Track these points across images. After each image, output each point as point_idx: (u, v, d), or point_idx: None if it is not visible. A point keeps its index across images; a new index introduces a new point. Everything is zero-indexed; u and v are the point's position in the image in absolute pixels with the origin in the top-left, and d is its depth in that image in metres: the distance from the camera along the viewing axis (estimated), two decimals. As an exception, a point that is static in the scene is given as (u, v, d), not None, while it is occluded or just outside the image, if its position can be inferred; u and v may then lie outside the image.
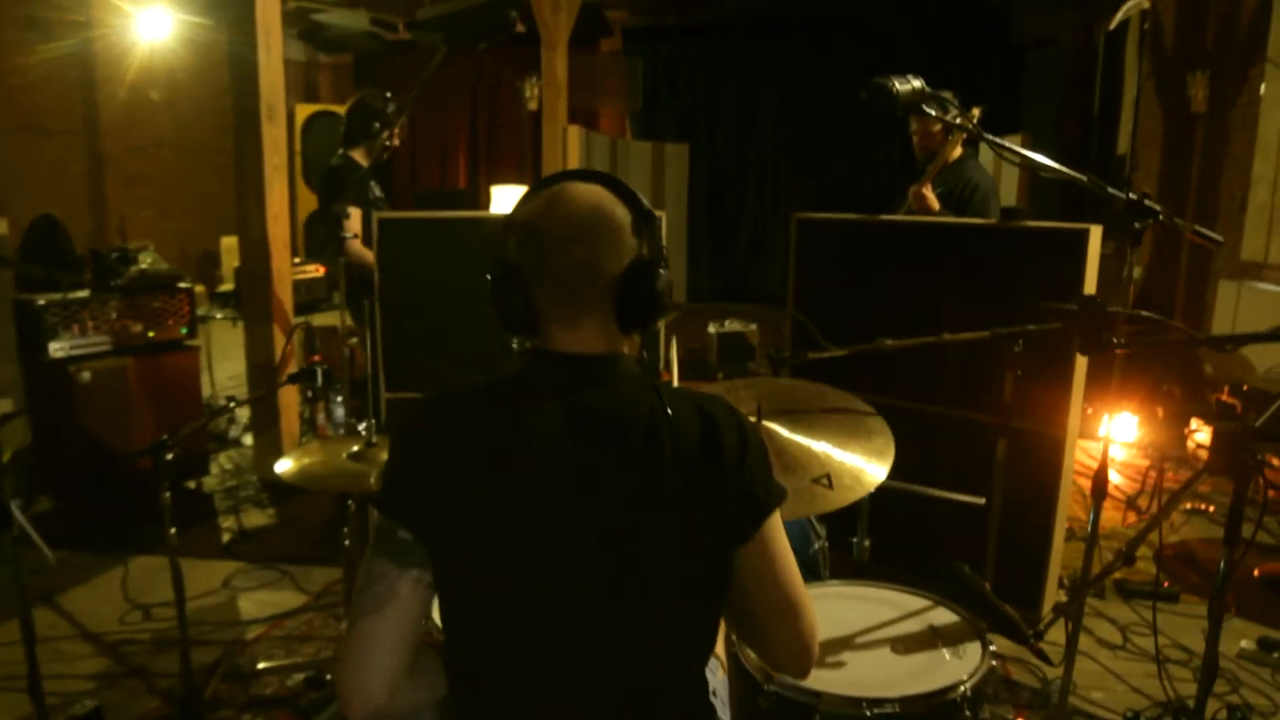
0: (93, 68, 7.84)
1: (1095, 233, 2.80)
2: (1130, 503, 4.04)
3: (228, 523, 3.77)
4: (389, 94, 3.80)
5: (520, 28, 5.74)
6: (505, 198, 5.70)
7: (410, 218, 3.38)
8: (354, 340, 5.73)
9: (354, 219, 3.60)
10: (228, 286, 5.67)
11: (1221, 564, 1.69)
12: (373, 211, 3.75)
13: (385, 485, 1.13)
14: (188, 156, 9.11)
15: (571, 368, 1.16)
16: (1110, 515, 3.98)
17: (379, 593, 1.09)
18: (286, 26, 9.93)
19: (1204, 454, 4.58)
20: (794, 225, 3.44)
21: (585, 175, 1.19)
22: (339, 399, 5.17)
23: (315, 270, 5.04)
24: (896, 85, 1.99)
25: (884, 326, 2.93)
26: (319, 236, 3.88)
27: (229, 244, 6.95)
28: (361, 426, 1.88)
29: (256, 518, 3.82)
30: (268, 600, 3.06)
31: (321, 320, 5.55)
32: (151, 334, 3.92)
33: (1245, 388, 3.58)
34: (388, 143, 3.81)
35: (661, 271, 1.16)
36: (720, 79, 10.54)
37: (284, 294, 4.28)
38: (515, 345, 1.25)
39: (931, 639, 1.65)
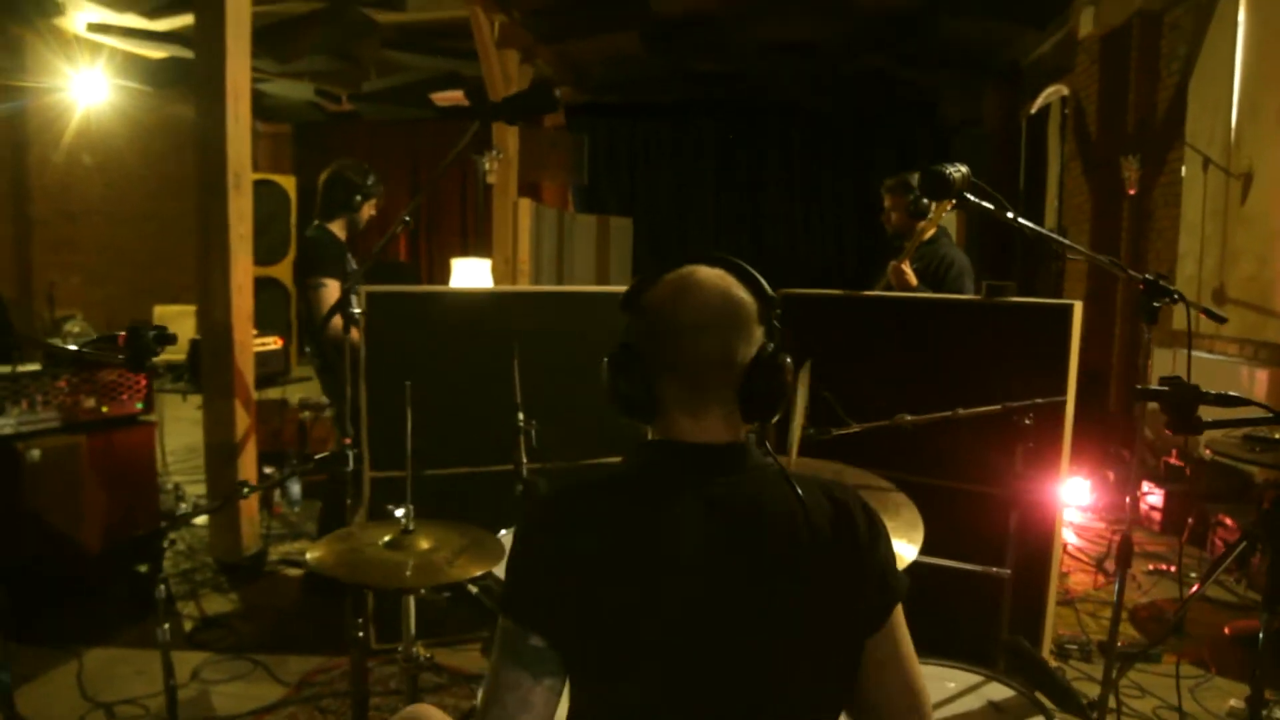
0: (25, 130, 7.58)
1: (1078, 307, 2.92)
2: (1099, 565, 4.14)
3: (187, 609, 3.55)
4: (367, 165, 3.76)
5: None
6: (465, 271, 5.68)
7: (399, 291, 3.32)
8: (306, 414, 5.56)
9: (331, 290, 3.51)
10: (173, 357, 5.44)
11: (1260, 632, 1.73)
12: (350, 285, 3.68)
13: (515, 589, 1.07)
14: (119, 224, 8.83)
15: (703, 458, 1.13)
16: (1079, 579, 4.07)
17: (510, 703, 1.02)
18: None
19: (1157, 515, 4.75)
20: (781, 300, 3.50)
21: (710, 259, 1.18)
22: (295, 475, 4.97)
23: (273, 342, 4.88)
24: (950, 172, 2.06)
25: (874, 400, 2.99)
26: (304, 310, 3.74)
27: (164, 313, 6.69)
28: (399, 512, 1.79)
29: (218, 603, 3.60)
30: (243, 694, 2.86)
31: (274, 394, 5.38)
32: (105, 409, 3.72)
33: (1208, 453, 3.74)
34: (367, 215, 3.76)
35: (788, 361, 1.15)
36: (661, 156, 10.83)
37: (245, 367, 4.13)
38: (649, 434, 1.20)
39: (995, 715, 1.64)
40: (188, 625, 3.40)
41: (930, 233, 3.78)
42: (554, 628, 1.04)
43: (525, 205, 7.79)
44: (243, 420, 4.09)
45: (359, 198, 3.67)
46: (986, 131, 9.77)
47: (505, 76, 7.31)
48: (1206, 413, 1.55)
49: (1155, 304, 1.95)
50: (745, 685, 1.07)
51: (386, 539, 1.77)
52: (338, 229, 3.69)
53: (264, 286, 6.67)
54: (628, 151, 10.97)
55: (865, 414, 2.46)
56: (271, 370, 4.87)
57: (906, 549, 1.91)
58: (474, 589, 1.87)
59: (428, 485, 3.07)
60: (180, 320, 5.88)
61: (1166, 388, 1.39)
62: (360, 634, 1.98)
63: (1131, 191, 5.89)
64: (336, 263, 3.58)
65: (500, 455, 3.13)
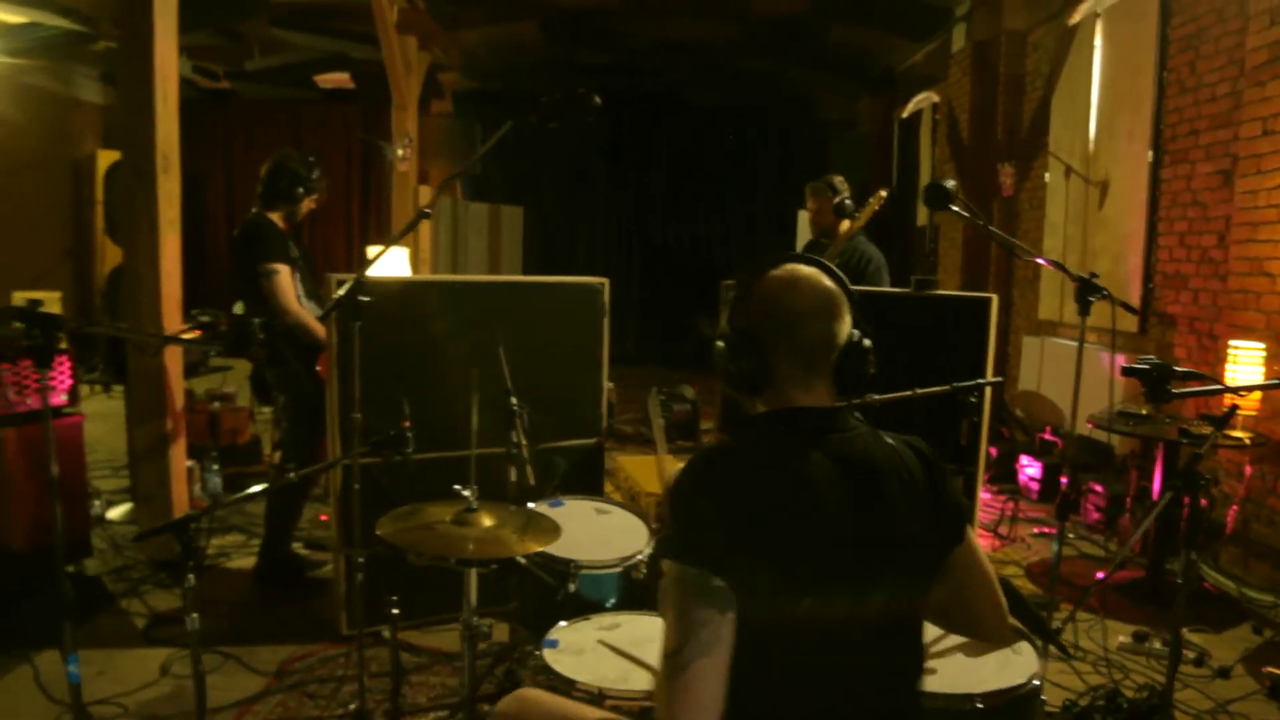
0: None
1: (994, 300, 3.30)
2: (994, 530, 4.63)
3: (134, 607, 3.43)
4: (313, 158, 3.72)
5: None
6: (385, 260, 5.61)
7: (379, 280, 3.30)
8: (216, 405, 5.37)
9: (284, 276, 3.47)
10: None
11: (1181, 570, 2.09)
12: (296, 272, 3.63)
13: (694, 539, 1.23)
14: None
15: (819, 421, 1.34)
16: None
17: (705, 638, 1.18)
18: (88, 66, 9.20)
19: (1035, 485, 5.33)
20: (723, 290, 3.73)
21: (798, 258, 1.40)
22: (215, 467, 4.83)
23: (191, 331, 4.71)
24: (949, 184, 2.33)
25: None
26: (250, 298, 3.66)
27: (25, 300, 6.23)
28: (466, 491, 1.89)
29: (166, 600, 3.50)
30: (222, 685, 2.83)
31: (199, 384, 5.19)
32: (30, 401, 3.53)
33: (1089, 427, 4.25)
34: (306, 209, 3.72)
35: (870, 344, 1.37)
36: (549, 147, 10.86)
37: (175, 359, 4.00)
38: (756, 407, 1.39)
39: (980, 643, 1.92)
40: (140, 622, 3.30)
41: (846, 229, 4.12)
42: (731, 569, 1.20)
43: (427, 193, 7.73)
44: (173, 413, 3.97)
45: (301, 190, 3.63)
46: (862, 132, 10.41)
47: (405, 63, 7.23)
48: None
49: (1090, 298, 2.29)
50: (879, 602, 1.29)
51: (450, 516, 1.87)
52: (278, 219, 3.64)
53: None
54: (517, 140, 10.95)
55: None
56: (192, 360, 4.70)
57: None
58: (522, 560, 1.98)
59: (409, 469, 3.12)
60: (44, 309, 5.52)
61: (1147, 366, 1.69)
62: (395, 610, 2.06)
63: (1007, 195, 6.49)
64: (283, 248, 3.54)
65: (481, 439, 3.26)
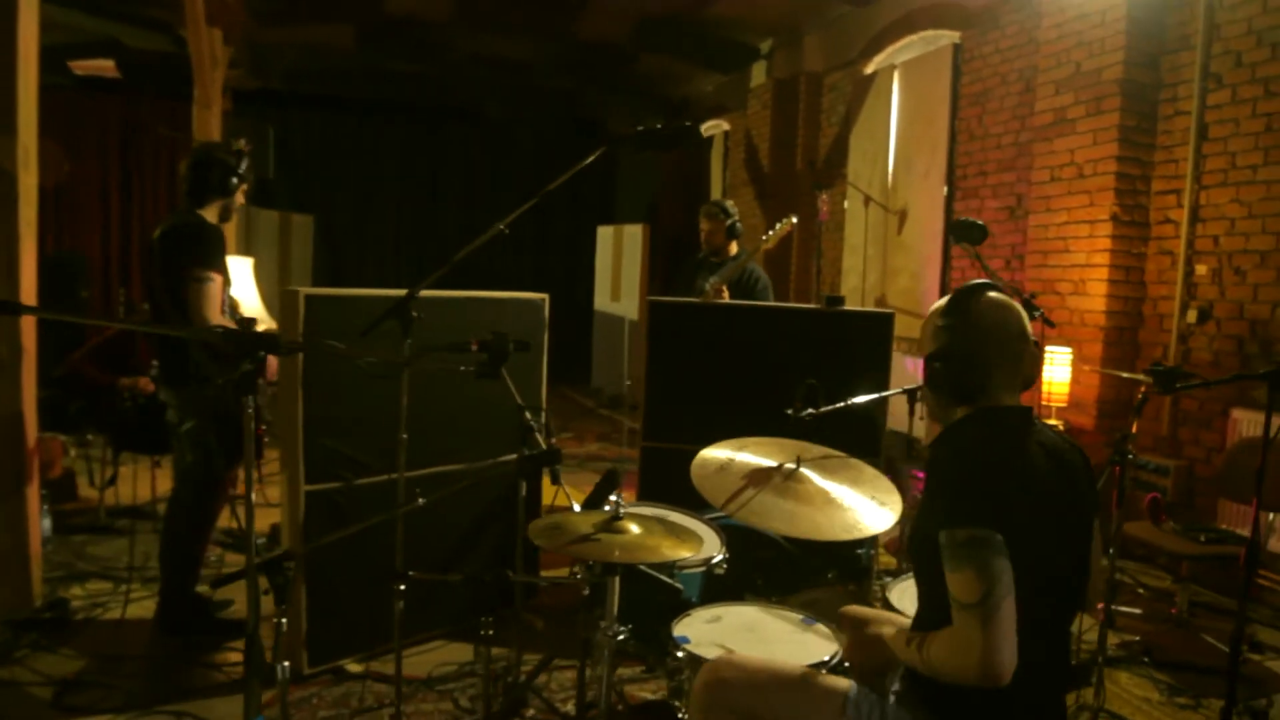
0: None
1: (894, 316, 3.80)
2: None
3: (22, 676, 2.95)
4: (238, 145, 3.41)
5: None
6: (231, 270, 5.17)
7: (343, 295, 3.11)
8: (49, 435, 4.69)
9: (217, 286, 3.18)
10: None
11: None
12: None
13: (980, 506, 1.47)
14: None
15: (1024, 416, 1.66)
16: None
17: (1006, 581, 1.45)
18: None
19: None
20: (649, 308, 3.93)
21: (991, 287, 1.68)
22: (45, 507, 4.21)
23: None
24: (981, 222, 2.70)
25: (733, 394, 3.58)
26: (168, 306, 3.28)
27: None
28: (614, 498, 1.94)
29: (58, 663, 3.04)
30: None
31: None
32: None
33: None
34: (239, 203, 3.41)
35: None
36: (337, 153, 10.38)
37: (29, 376, 3.50)
38: (958, 413, 1.66)
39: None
40: (42, 693, 2.85)
41: (734, 250, 4.49)
42: (1008, 527, 1.47)
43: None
44: (30, 438, 3.47)
45: (235, 180, 3.34)
46: (650, 155, 11.01)
47: (212, 58, 6.66)
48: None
49: (1034, 314, 2.80)
50: (1072, 564, 1.62)
51: (598, 522, 1.94)
52: (211, 215, 3.31)
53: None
54: (304, 145, 10.34)
55: (749, 409, 2.90)
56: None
57: (885, 515, 2.41)
58: (644, 567, 2.05)
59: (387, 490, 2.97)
60: None
61: (1161, 368, 2.18)
62: (491, 633, 2.05)
63: (824, 219, 7.21)
64: (222, 255, 3.24)
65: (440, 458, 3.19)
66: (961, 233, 2.96)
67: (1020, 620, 1.48)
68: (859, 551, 2.89)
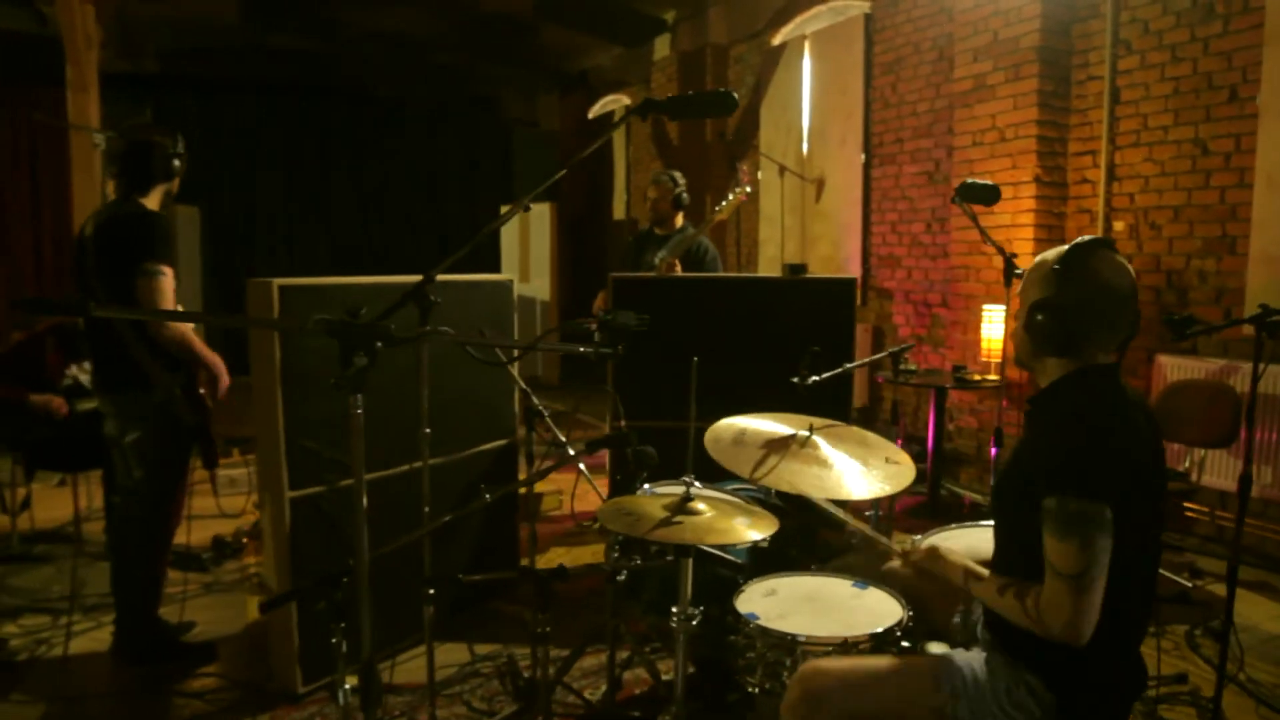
0: None
1: (857, 281, 3.89)
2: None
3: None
4: (167, 128, 3.13)
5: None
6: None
7: (318, 284, 2.90)
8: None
9: (170, 281, 2.92)
10: None
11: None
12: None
13: (1095, 481, 1.50)
14: None
15: (1117, 376, 1.69)
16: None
17: (1104, 560, 1.50)
18: None
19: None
20: (611, 284, 3.87)
21: (1104, 243, 1.68)
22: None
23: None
24: (992, 183, 2.75)
25: (704, 367, 3.56)
26: (115, 300, 2.97)
27: None
28: (678, 486, 1.89)
29: (13, 711, 2.74)
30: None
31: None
32: None
33: (880, 380, 5.08)
34: (177, 188, 3.13)
35: None
36: (219, 139, 9.69)
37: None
38: (1057, 368, 1.70)
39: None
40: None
41: (680, 223, 4.49)
42: (1119, 499, 1.51)
43: (111, 186, 6.58)
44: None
45: (177, 163, 3.07)
46: (546, 131, 10.84)
47: (86, 37, 6.09)
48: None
49: (1016, 273, 2.90)
50: (1158, 528, 1.69)
51: (669, 505, 1.91)
52: (153, 203, 3.03)
53: None
54: (183, 132, 9.57)
55: (721, 381, 2.93)
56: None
57: (903, 472, 2.48)
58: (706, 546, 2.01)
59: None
60: None
61: (1177, 317, 2.29)
62: (544, 630, 1.96)
63: (750, 186, 7.24)
64: (171, 245, 2.97)
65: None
66: (972, 195, 3.01)
67: (1121, 578, 1.55)
68: (867, 514, 2.95)
